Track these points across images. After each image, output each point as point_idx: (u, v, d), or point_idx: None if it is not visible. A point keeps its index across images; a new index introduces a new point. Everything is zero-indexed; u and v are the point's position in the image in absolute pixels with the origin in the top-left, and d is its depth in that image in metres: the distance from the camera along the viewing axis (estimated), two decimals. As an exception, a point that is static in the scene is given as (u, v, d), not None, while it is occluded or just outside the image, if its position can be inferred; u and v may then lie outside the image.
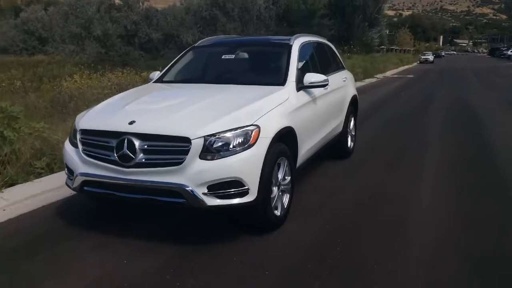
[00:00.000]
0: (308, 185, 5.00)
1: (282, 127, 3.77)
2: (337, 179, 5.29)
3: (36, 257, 3.34)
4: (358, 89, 7.03)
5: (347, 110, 5.98)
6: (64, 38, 34.32)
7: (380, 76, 25.15)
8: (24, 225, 3.98)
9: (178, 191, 3.29)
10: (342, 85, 5.84)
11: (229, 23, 36.20)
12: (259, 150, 3.44)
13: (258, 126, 3.47)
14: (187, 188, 3.26)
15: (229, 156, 3.33)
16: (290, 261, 3.30)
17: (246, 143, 3.39)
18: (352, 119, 6.38)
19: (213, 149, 3.32)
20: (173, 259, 3.33)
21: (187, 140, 3.27)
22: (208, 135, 3.31)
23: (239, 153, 3.35)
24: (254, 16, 37.37)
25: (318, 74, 4.51)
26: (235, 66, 4.99)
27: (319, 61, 5.29)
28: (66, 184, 3.93)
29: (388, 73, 28.55)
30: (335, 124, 5.50)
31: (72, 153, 3.72)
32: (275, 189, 3.76)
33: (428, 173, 5.54)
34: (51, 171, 5.08)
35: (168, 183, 3.30)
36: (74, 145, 3.74)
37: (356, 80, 17.87)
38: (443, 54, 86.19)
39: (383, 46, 48.72)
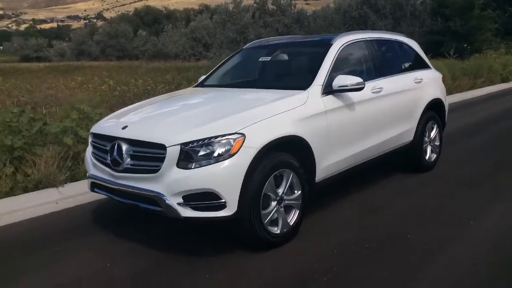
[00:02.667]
0: (347, 201, 4.48)
1: (281, 136, 3.42)
2: (387, 197, 4.62)
3: (33, 253, 3.58)
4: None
5: (422, 116, 5.18)
6: (222, 44, 37.08)
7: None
8: (56, 219, 4.34)
9: (155, 199, 3.23)
10: (412, 87, 5.08)
11: (379, 21, 34.88)
12: (241, 161, 3.17)
13: (243, 135, 3.21)
14: (162, 197, 3.18)
15: (206, 166, 3.15)
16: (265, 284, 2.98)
17: (227, 153, 3.17)
18: (435, 127, 5.52)
19: (190, 157, 3.18)
20: (154, 266, 3.28)
21: (162, 147, 3.19)
22: (184, 143, 3.17)
23: (216, 163, 3.15)
24: (408, 12, 35.35)
25: (352, 76, 3.97)
26: (268, 69, 4.73)
27: (373, 61, 4.68)
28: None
29: None
30: (397, 131, 4.82)
31: (88, 155, 3.93)
32: (273, 203, 3.44)
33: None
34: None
35: (147, 190, 3.27)
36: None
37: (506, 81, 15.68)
38: None
39: None
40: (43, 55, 64.85)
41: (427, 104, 5.25)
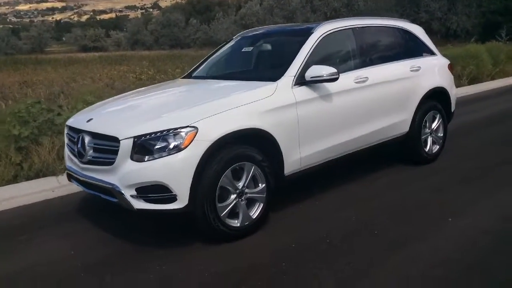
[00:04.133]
0: (331, 193, 4.38)
1: (238, 129, 3.38)
2: (375, 190, 4.46)
3: (18, 237, 3.80)
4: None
5: (419, 106, 4.94)
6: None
7: None
8: (47, 206, 4.55)
9: (111, 190, 3.31)
10: (406, 75, 4.84)
11: (433, 2, 33.30)
12: (192, 154, 3.18)
13: (195, 128, 3.21)
14: (117, 189, 3.26)
15: (158, 159, 3.19)
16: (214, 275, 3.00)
17: (177, 146, 3.18)
18: (437, 117, 5.24)
19: (144, 151, 3.23)
20: (114, 255, 3.38)
21: (116, 140, 3.26)
22: (137, 136, 3.22)
23: (168, 157, 3.18)
24: (465, -9, 33.62)
25: (326, 66, 3.85)
26: (248, 59, 4.67)
27: (359, 50, 4.50)
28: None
29: None
30: (387, 123, 4.63)
31: (66, 147, 4.08)
32: (232, 196, 3.44)
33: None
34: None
35: (105, 181, 3.36)
36: (70, 139, 4.09)
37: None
38: None
39: None
40: (100, 45, 67.40)
41: (425, 93, 4.99)
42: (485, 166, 5.07)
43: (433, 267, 2.98)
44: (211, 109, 3.40)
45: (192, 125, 3.22)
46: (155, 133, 3.21)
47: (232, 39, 5.17)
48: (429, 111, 5.11)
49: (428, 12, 33.82)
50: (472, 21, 32.01)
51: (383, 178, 4.80)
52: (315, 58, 4.08)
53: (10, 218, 4.29)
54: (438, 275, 2.88)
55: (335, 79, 3.88)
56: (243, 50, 4.73)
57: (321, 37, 4.21)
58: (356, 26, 4.61)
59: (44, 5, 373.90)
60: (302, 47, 4.07)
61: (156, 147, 3.21)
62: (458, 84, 11.40)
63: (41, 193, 4.84)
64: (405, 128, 4.88)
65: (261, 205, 3.61)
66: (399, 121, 4.77)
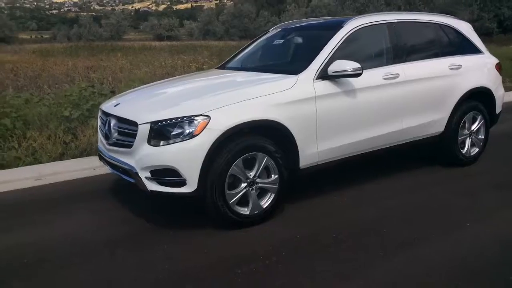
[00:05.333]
0: (349, 190, 4.35)
1: (251, 119, 3.46)
2: (397, 190, 4.36)
3: (53, 209, 4.14)
4: None
5: (457, 106, 4.74)
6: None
7: None
8: (86, 183, 4.89)
9: (129, 171, 3.52)
10: (444, 73, 4.66)
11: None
12: (203, 141, 3.31)
13: (208, 117, 3.34)
14: (134, 170, 3.47)
15: (171, 144, 3.35)
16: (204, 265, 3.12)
17: (190, 133, 3.32)
18: (478, 118, 5.00)
19: (160, 135, 3.40)
20: (131, 234, 3.61)
21: (135, 124, 3.45)
22: (154, 122, 3.39)
23: (179, 143, 3.33)
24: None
25: (350, 61, 3.80)
26: (277, 52, 4.72)
27: (392, 45, 4.38)
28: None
29: None
30: (420, 121, 4.51)
31: (99, 129, 4.36)
32: (243, 185, 3.53)
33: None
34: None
35: (124, 163, 3.58)
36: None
37: None
38: None
39: None
40: (173, 34, 69.44)
41: (465, 93, 4.78)
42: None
43: (428, 272, 2.90)
44: (227, 99, 3.51)
45: (205, 113, 3.34)
46: (171, 119, 3.37)
47: (269, 31, 5.22)
48: (469, 111, 4.88)
49: (511, 8, 31.74)
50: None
51: (409, 178, 4.68)
52: (343, 53, 4.05)
53: (51, 192, 4.65)
54: (430, 281, 2.81)
55: (358, 75, 3.83)
56: (274, 42, 4.78)
57: (350, 32, 4.16)
58: (391, 21, 4.50)
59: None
60: (329, 41, 4.06)
61: (172, 133, 3.36)
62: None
63: (82, 171, 5.21)
64: (440, 128, 4.70)
65: (273, 195, 3.68)
66: (432, 120, 4.61)
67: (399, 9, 38.52)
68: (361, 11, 39.10)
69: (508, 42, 22.91)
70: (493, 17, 31.85)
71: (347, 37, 4.13)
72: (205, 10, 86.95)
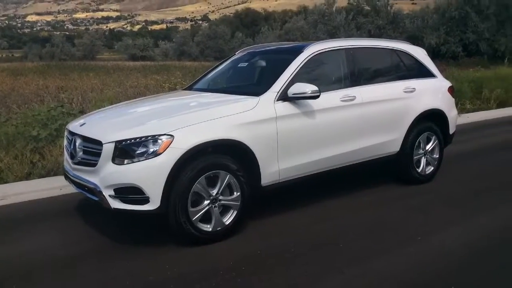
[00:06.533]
0: (313, 206, 4.52)
1: (213, 139, 3.61)
2: (357, 206, 4.56)
3: (17, 228, 4.16)
4: None
5: (412, 127, 5.01)
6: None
7: None
8: (52, 202, 4.91)
9: (93, 190, 3.61)
10: (399, 96, 4.93)
11: (482, 22, 32.55)
12: (166, 160, 3.43)
13: (172, 136, 3.47)
14: (98, 189, 3.55)
15: (135, 162, 3.46)
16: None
17: (154, 152, 3.44)
18: (433, 138, 5.28)
19: (124, 154, 3.51)
20: (95, 251, 3.67)
21: (100, 143, 3.56)
22: (118, 141, 3.50)
23: (144, 161, 3.44)
24: (516, 13, 32.71)
25: (308, 84, 4.02)
26: (242, 74, 4.93)
27: (349, 70, 4.63)
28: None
29: None
30: (375, 141, 4.73)
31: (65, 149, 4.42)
32: (205, 202, 3.66)
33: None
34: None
35: (88, 181, 3.66)
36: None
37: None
38: None
39: None
40: (148, 54, 69.35)
41: (419, 114, 5.06)
42: (477, 190, 5.05)
43: (381, 284, 3.07)
44: (191, 119, 3.66)
45: (169, 133, 3.48)
46: (135, 138, 3.49)
47: (235, 54, 5.43)
48: (424, 132, 5.16)
49: (475, 33, 33.02)
50: (522, 44, 31.08)
51: (369, 195, 4.88)
52: (303, 76, 4.26)
53: (15, 211, 4.66)
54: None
55: (316, 97, 4.04)
56: (239, 65, 4.99)
57: (310, 56, 4.39)
58: (349, 46, 4.76)
59: (100, 14, 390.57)
60: (290, 65, 4.27)
61: (136, 152, 3.48)
62: (485, 107, 11.25)
63: (49, 191, 5.23)
64: (396, 147, 4.95)
65: (235, 212, 3.81)
66: (388, 140, 4.85)
67: (369, 33, 39.59)
68: (332, 34, 40.02)
69: (473, 65, 23.87)
70: (458, 41, 33.07)
71: (306, 61, 4.36)
72: (181, 31, 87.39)
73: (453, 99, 5.60)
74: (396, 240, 3.76)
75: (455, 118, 5.60)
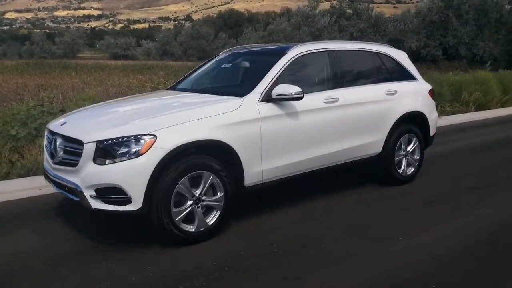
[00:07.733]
0: (294, 207, 4.54)
1: (196, 139, 3.60)
2: (338, 207, 4.60)
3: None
4: None
5: (393, 129, 5.07)
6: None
7: None
8: (31, 202, 4.83)
9: (74, 190, 3.56)
10: (381, 98, 4.99)
11: (461, 27, 33.13)
12: (148, 160, 3.41)
13: (154, 136, 3.44)
14: (78, 189, 3.51)
15: (117, 162, 3.42)
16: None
17: (136, 152, 3.41)
18: (413, 140, 5.35)
19: (106, 154, 3.47)
20: (75, 252, 3.61)
21: (81, 143, 3.51)
22: (100, 141, 3.46)
23: (126, 161, 3.41)
24: (493, 18, 33.38)
25: (291, 86, 4.04)
26: (226, 75, 4.93)
27: (332, 72, 4.67)
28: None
29: None
30: (358, 142, 4.78)
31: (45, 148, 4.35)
32: (188, 202, 3.64)
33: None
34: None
35: (69, 181, 3.61)
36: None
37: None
38: None
39: None
40: (130, 53, 68.70)
41: (400, 117, 5.12)
42: (457, 190, 5.15)
43: (361, 283, 3.11)
44: (174, 119, 3.63)
45: (151, 133, 3.45)
46: (117, 138, 3.45)
47: (219, 54, 5.42)
48: (405, 133, 5.23)
49: (455, 37, 33.58)
50: (499, 48, 31.71)
51: (351, 196, 4.93)
52: (286, 78, 4.28)
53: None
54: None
55: (300, 98, 4.06)
56: (223, 66, 4.98)
57: (293, 58, 4.41)
58: (332, 49, 4.80)
59: (81, 12, 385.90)
60: (274, 67, 4.28)
61: (118, 151, 3.44)
62: (464, 110, 11.45)
63: (27, 191, 5.14)
64: (378, 149, 5.01)
65: (218, 212, 3.80)
66: (370, 141, 4.90)
67: (351, 35, 39.93)
68: (315, 36, 40.24)
69: (452, 69, 24.28)
70: (439, 45, 33.59)
71: (290, 63, 4.37)
72: (163, 31, 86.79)
73: (434, 101, 5.70)
74: (378, 240, 3.81)
75: (435, 120, 5.69)
